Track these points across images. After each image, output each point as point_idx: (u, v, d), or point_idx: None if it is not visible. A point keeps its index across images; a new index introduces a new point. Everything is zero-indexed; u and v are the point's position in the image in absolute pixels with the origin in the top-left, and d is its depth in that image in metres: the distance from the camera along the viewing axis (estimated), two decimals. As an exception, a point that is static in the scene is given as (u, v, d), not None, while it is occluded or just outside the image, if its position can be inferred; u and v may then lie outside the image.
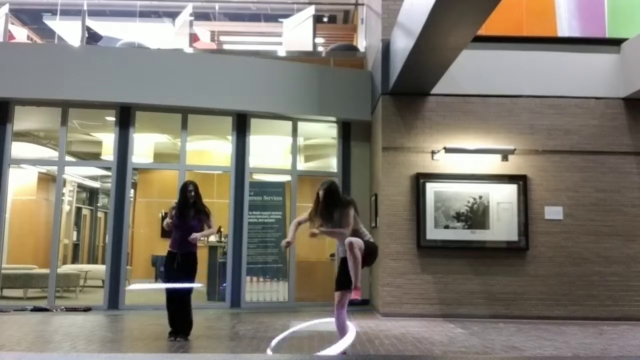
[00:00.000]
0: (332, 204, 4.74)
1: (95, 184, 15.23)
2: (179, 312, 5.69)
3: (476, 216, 7.87)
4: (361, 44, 11.21)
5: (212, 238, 10.81)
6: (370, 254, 4.66)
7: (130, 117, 8.68)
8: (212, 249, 9.96)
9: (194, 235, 5.71)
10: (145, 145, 10.38)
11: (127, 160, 8.62)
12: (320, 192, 4.81)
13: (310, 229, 4.79)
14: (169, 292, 5.73)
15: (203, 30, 13.44)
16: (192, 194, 5.82)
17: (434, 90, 8.06)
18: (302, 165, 10.51)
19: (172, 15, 13.13)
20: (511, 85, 8.22)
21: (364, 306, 8.32)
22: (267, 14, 14.86)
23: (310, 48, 10.78)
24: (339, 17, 14.79)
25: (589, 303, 7.74)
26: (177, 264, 5.74)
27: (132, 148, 8.68)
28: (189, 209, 5.80)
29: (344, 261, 4.63)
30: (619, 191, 7.99)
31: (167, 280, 5.87)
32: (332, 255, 9.43)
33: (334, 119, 9.35)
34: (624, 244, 7.87)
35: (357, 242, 4.53)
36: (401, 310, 7.62)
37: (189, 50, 10.77)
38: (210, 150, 11.46)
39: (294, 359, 4.03)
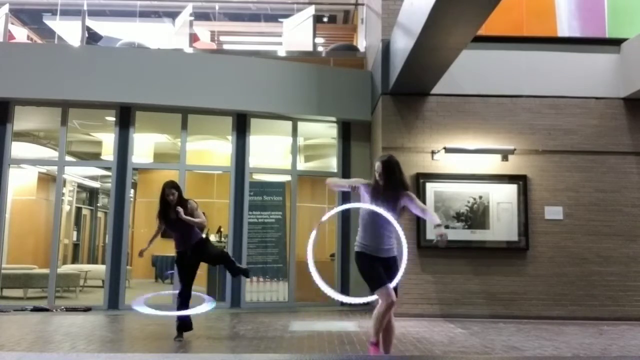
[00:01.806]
0: (393, 182, 4.11)
1: (95, 184, 15.23)
2: (226, 264, 6.00)
3: (476, 216, 7.87)
4: (361, 44, 11.21)
5: (212, 238, 10.82)
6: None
7: (130, 117, 8.68)
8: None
9: (181, 214, 5.59)
10: (145, 145, 10.38)
11: (127, 160, 8.61)
12: (377, 165, 4.21)
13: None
14: (184, 295, 5.68)
15: (203, 30, 13.45)
16: (170, 197, 5.67)
17: (434, 90, 8.06)
18: (302, 165, 10.51)
19: (172, 15, 13.15)
20: (511, 85, 8.22)
21: (364, 306, 8.31)
22: (267, 14, 14.87)
23: (310, 48, 10.78)
24: (339, 17, 14.81)
25: (589, 303, 7.74)
26: (188, 259, 5.72)
27: (132, 148, 8.67)
28: (171, 212, 5.67)
29: (370, 258, 4.18)
30: (619, 191, 7.99)
31: (181, 279, 5.80)
32: (332, 255, 9.43)
33: (334, 119, 9.35)
34: (624, 244, 7.87)
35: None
36: (401, 310, 7.59)
37: (189, 50, 10.77)
38: (210, 150, 11.46)
39: (294, 358, 4.03)
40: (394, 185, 4.16)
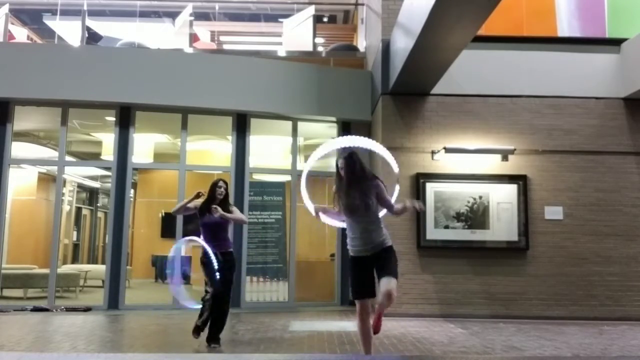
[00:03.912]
0: (358, 177, 4.09)
1: (95, 184, 15.23)
2: (218, 310, 5.40)
3: (476, 216, 7.87)
4: (361, 44, 11.21)
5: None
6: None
7: (130, 117, 8.68)
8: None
9: (218, 212, 5.48)
10: (145, 145, 10.38)
11: (127, 160, 8.61)
12: (340, 162, 4.15)
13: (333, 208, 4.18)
14: (218, 289, 5.43)
15: (203, 30, 13.44)
16: (222, 190, 5.65)
17: (434, 90, 8.06)
18: (302, 165, 10.49)
19: (172, 15, 13.14)
20: (511, 85, 8.22)
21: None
22: (267, 14, 14.87)
23: (310, 48, 10.78)
24: (339, 17, 14.80)
25: (589, 303, 7.74)
26: (219, 263, 5.42)
27: (132, 148, 8.67)
28: (212, 209, 5.53)
29: (357, 261, 4.13)
30: (619, 191, 7.99)
31: (218, 276, 5.44)
32: (332, 255, 9.43)
33: (334, 119, 9.35)
34: (624, 244, 7.87)
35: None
36: (401, 310, 7.61)
37: (189, 50, 10.77)
38: (210, 150, 11.46)
39: (294, 358, 4.03)
40: (357, 177, 4.13)
